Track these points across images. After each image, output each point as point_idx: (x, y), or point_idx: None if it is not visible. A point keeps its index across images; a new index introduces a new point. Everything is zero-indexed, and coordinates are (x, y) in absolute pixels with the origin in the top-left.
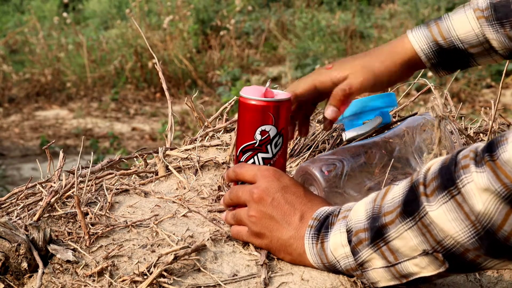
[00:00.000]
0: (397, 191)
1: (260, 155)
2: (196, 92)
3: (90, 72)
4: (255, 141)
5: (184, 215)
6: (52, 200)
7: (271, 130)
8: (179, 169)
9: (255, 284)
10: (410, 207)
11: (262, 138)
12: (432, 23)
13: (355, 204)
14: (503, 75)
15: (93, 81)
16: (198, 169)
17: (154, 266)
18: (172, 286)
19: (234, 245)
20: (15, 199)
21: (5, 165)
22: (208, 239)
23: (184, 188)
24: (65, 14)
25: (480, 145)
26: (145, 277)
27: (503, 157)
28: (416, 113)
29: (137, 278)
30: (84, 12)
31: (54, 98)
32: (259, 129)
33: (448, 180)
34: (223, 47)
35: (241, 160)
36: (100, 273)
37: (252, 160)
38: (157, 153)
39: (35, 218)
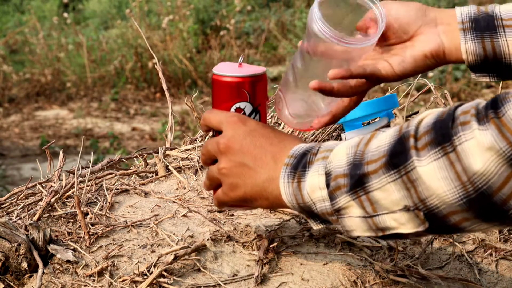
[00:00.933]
0: (383, 139)
1: None
2: (196, 92)
3: (90, 72)
4: None
5: (184, 215)
6: (52, 200)
7: (246, 107)
8: (179, 169)
9: (255, 284)
10: (397, 158)
11: None
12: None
13: (336, 145)
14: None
15: (93, 81)
16: (198, 169)
17: (154, 266)
18: (172, 286)
19: (234, 245)
20: (15, 199)
21: (5, 165)
22: (208, 239)
23: (184, 188)
24: (65, 14)
25: (482, 102)
26: (145, 277)
27: (509, 114)
28: (416, 112)
29: (137, 278)
30: (84, 12)
31: (54, 98)
32: (234, 107)
33: (443, 136)
34: (223, 47)
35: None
36: (100, 273)
37: None
38: (157, 153)
39: (35, 218)
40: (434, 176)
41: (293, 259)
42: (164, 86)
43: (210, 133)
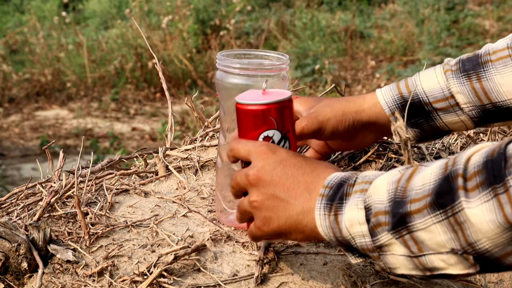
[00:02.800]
0: (428, 177)
1: None
2: (196, 92)
3: (90, 72)
4: None
5: (184, 215)
6: (52, 200)
7: (274, 135)
8: (179, 169)
9: (255, 284)
10: (443, 199)
11: None
12: (402, 80)
13: (375, 176)
14: None
15: (93, 81)
16: (198, 169)
17: (154, 266)
18: (172, 286)
19: (234, 245)
20: (15, 199)
21: (5, 165)
22: (208, 239)
23: (184, 188)
24: (65, 14)
25: None
26: (145, 277)
27: None
28: None
29: (137, 278)
30: (84, 12)
31: (54, 98)
32: (262, 136)
33: (494, 177)
34: (223, 47)
35: None
36: (100, 273)
37: None
38: (157, 153)
39: (35, 218)
40: (483, 218)
41: (293, 259)
42: (164, 86)
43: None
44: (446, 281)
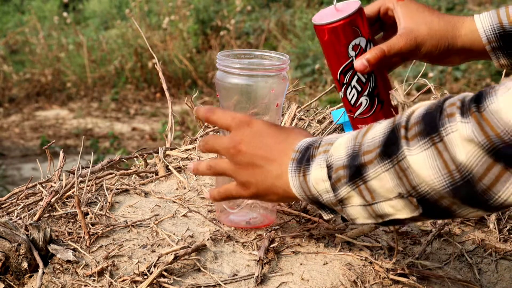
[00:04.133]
0: (378, 130)
1: None
2: (196, 92)
3: (90, 72)
4: (350, 58)
5: (184, 215)
6: (52, 200)
7: (360, 41)
8: (179, 169)
9: (255, 284)
10: (390, 148)
11: (356, 52)
12: (502, 8)
13: (336, 138)
14: (503, 75)
15: (93, 81)
16: None
17: (154, 266)
18: (172, 286)
19: (234, 245)
20: (15, 199)
21: (5, 165)
22: (208, 239)
23: (184, 188)
24: (65, 14)
25: (468, 95)
26: (145, 277)
27: (490, 109)
28: None
29: (137, 278)
30: (84, 12)
31: (54, 98)
32: (350, 46)
33: (431, 127)
34: (223, 47)
35: (344, 82)
36: (100, 273)
37: (356, 78)
38: (157, 153)
39: (35, 218)
40: (423, 164)
41: (293, 259)
42: (164, 86)
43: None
44: (446, 281)
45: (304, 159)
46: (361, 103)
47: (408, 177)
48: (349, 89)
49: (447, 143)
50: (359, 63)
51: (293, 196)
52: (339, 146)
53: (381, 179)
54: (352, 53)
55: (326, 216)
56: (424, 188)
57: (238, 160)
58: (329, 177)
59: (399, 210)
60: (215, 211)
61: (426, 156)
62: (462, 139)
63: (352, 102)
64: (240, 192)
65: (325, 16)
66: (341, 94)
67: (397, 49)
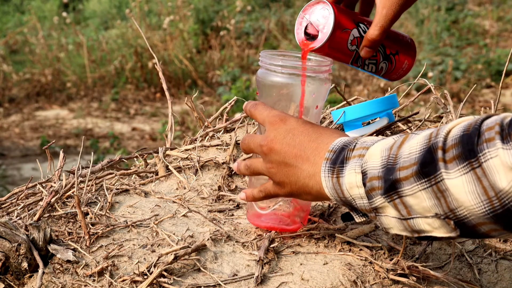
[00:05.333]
0: (414, 146)
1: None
2: (196, 92)
3: (90, 72)
4: (354, 52)
5: (184, 215)
6: (53, 200)
7: (353, 33)
8: (179, 169)
9: (255, 284)
10: (427, 168)
11: (356, 45)
12: None
13: (372, 142)
14: (503, 75)
15: (93, 81)
16: (198, 169)
17: (154, 266)
18: (172, 286)
19: (234, 245)
20: (16, 199)
21: (5, 165)
22: (208, 239)
23: (184, 188)
24: (65, 14)
25: (506, 117)
26: (145, 277)
27: None
28: (417, 113)
29: (137, 278)
30: (84, 12)
31: (54, 98)
32: (349, 44)
33: (469, 151)
34: (223, 47)
35: (358, 66)
36: (100, 273)
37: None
38: (157, 153)
39: (35, 218)
40: (462, 189)
41: (293, 259)
42: (164, 86)
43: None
44: (446, 281)
45: (338, 160)
46: (382, 68)
47: (446, 199)
48: (366, 66)
49: (486, 170)
50: (363, 53)
51: (326, 197)
52: (374, 154)
53: (418, 197)
54: (354, 47)
55: (358, 219)
56: (463, 212)
57: (271, 158)
58: (364, 184)
59: (435, 228)
60: (215, 211)
61: (464, 181)
62: (503, 166)
63: (374, 71)
64: (276, 191)
65: (308, 31)
66: (362, 71)
67: (387, 23)
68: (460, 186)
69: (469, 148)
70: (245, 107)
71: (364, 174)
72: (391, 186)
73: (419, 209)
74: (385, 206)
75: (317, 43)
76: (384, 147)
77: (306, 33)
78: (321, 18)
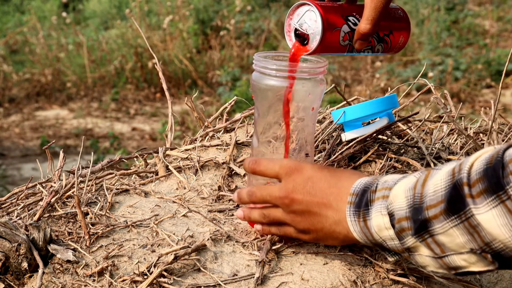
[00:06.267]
0: (439, 183)
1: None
2: (196, 92)
3: (90, 72)
4: (348, 46)
5: (184, 215)
6: (53, 200)
7: (344, 29)
8: (179, 169)
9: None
10: (455, 205)
11: (348, 40)
12: None
13: (394, 183)
14: (503, 75)
15: (93, 81)
16: (198, 169)
17: (154, 266)
18: (172, 286)
19: (234, 245)
20: (16, 199)
21: (5, 165)
22: (208, 239)
23: (184, 188)
24: (65, 14)
25: None
26: (145, 277)
27: None
28: (417, 113)
29: (137, 278)
30: (84, 12)
31: (54, 98)
32: (341, 41)
33: (496, 185)
34: (223, 47)
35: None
36: (100, 273)
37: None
38: (157, 153)
39: (35, 218)
40: (494, 223)
41: (293, 259)
42: (164, 86)
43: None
44: (446, 281)
45: (362, 203)
46: (378, 49)
47: (479, 234)
48: (364, 53)
49: None
50: (357, 45)
51: (354, 240)
52: (398, 195)
53: (450, 234)
54: (346, 42)
55: (390, 258)
56: (499, 245)
57: (293, 209)
58: (392, 225)
59: (472, 263)
60: (215, 211)
61: (495, 215)
62: None
63: (371, 53)
64: (300, 236)
65: (299, 32)
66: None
67: (377, 15)
68: (492, 220)
69: (495, 181)
70: (245, 165)
71: (391, 215)
72: (421, 226)
73: (453, 246)
74: (418, 246)
75: (309, 48)
76: (407, 187)
77: (296, 35)
78: (308, 21)
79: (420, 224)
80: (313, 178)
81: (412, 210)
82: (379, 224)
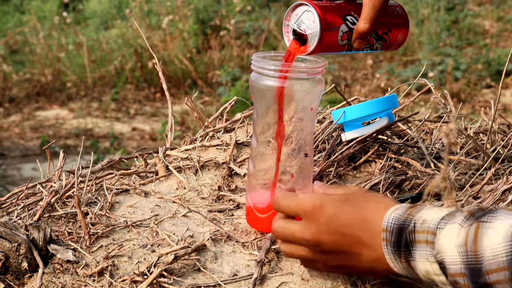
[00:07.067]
0: (496, 247)
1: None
2: (196, 92)
3: (90, 72)
4: (347, 45)
5: (184, 215)
6: (53, 200)
7: (342, 28)
8: (179, 169)
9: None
10: None
11: (347, 39)
12: None
13: (434, 225)
14: (503, 75)
15: (93, 81)
16: (198, 169)
17: (154, 266)
18: (172, 286)
19: (234, 245)
20: (16, 199)
21: (5, 165)
22: (208, 239)
23: (184, 188)
24: (65, 14)
25: None
26: (145, 277)
27: None
28: (417, 113)
29: (137, 278)
30: (84, 12)
31: (54, 98)
32: (339, 40)
33: None
34: (223, 47)
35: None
36: (100, 273)
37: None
38: (157, 153)
39: (36, 218)
40: None
41: (293, 259)
42: (164, 86)
43: None
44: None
45: (402, 244)
46: (377, 47)
47: None
48: (363, 51)
49: None
50: (356, 45)
51: (395, 273)
52: (449, 247)
53: None
54: (345, 42)
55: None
56: None
57: (322, 249)
58: (444, 274)
59: None
60: (215, 211)
61: None
62: None
63: (370, 51)
64: (331, 270)
65: (297, 32)
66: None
67: (376, 14)
68: None
69: None
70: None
71: (441, 264)
72: None
73: None
74: None
75: (307, 49)
76: (458, 243)
77: (294, 34)
78: (306, 21)
79: (480, 286)
80: (337, 214)
81: (469, 270)
82: (427, 270)
